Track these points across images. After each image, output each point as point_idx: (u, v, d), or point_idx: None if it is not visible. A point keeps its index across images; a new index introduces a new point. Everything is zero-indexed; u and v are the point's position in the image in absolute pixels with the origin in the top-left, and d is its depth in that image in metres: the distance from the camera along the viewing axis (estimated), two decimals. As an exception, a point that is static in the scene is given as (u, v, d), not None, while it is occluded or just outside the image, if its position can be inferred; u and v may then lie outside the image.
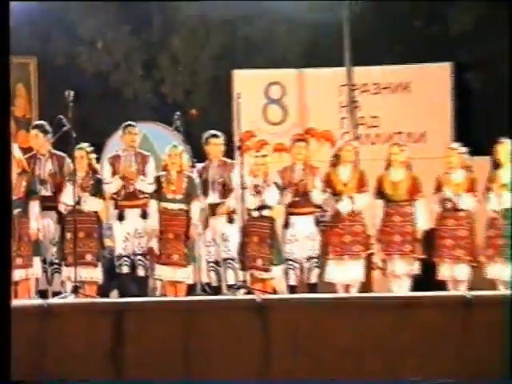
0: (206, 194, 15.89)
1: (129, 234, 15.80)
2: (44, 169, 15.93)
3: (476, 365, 12.27)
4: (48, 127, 16.14)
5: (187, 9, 21.74)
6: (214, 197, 15.88)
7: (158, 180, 15.80)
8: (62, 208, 15.50)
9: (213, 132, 16.25)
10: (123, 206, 15.87)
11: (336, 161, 15.76)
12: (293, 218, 15.67)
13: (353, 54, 17.85)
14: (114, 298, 15.56)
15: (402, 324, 12.89)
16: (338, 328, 12.58)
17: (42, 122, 16.87)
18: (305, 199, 15.62)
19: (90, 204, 15.55)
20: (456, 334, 12.79)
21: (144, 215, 15.80)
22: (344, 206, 15.40)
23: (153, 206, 15.76)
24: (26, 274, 15.39)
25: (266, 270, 15.48)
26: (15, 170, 15.24)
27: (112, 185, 15.72)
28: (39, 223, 15.49)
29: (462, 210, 15.49)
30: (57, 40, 21.63)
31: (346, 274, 15.46)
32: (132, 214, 15.81)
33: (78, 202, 15.35)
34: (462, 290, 14.87)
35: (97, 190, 15.79)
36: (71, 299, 14.70)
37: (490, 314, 12.95)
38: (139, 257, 15.75)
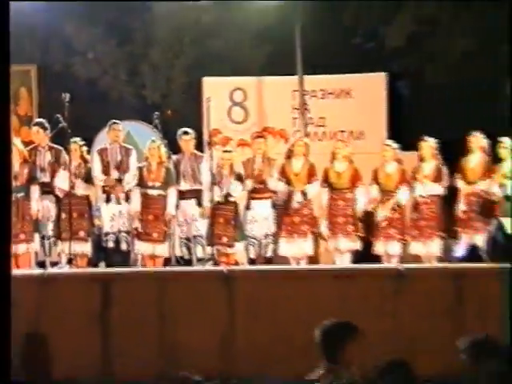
0: (178, 182, 15.93)
1: (114, 214, 15.83)
2: (43, 159, 16.13)
3: (409, 320, 12.69)
4: (47, 124, 16.28)
5: (165, 25, 21.75)
6: (185, 184, 15.94)
7: (140, 170, 15.87)
8: (58, 192, 15.51)
9: (185, 129, 16.34)
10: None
11: (289, 154, 15.89)
12: (253, 203, 15.75)
13: (303, 65, 17.85)
14: (101, 268, 15.39)
15: (345, 291, 13.07)
16: (291, 295, 12.76)
17: (41, 119, 16.97)
18: (263, 186, 15.68)
19: (82, 189, 15.65)
20: (390, 299, 12.97)
21: (127, 199, 15.84)
22: (297, 198, 15.53)
23: (135, 191, 15.82)
24: (27, 247, 15.67)
25: (230, 246, 15.65)
26: (18, 160, 15.74)
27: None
28: (39, 205, 15.80)
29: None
30: (55, 50, 21.62)
31: (296, 249, 15.54)
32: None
33: (72, 187, 15.48)
34: (395, 263, 15.03)
35: (88, 177, 15.86)
36: (66, 269, 15.04)
37: (419, 282, 13.18)
38: (123, 234, 15.81)
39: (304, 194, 15.73)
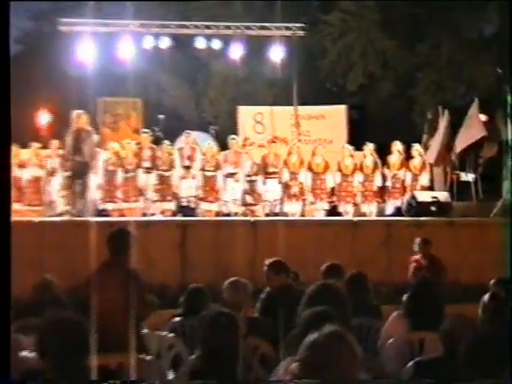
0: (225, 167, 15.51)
1: (188, 186, 15.49)
2: (146, 154, 15.53)
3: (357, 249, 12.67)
4: (151, 134, 16.28)
5: (217, 75, 21.74)
6: (230, 168, 15.32)
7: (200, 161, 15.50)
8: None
9: (232, 136, 16.20)
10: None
11: (289, 152, 15.82)
12: (267, 180, 15.41)
13: (297, 99, 17.84)
14: (179, 217, 15.01)
15: (320, 233, 13.24)
16: (291, 234, 12.42)
17: (146, 130, 16.77)
18: (273, 170, 15.50)
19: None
20: (347, 236, 13.12)
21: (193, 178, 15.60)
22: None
23: (199, 173, 15.38)
24: (136, 205, 15.29)
25: (254, 205, 15.42)
26: (132, 154, 15.46)
27: None
28: (142, 180, 15.43)
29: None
30: (151, 90, 21.62)
31: (293, 208, 15.44)
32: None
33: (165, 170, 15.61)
34: (350, 217, 15.14)
35: (172, 164, 15.50)
36: (161, 218, 14.99)
37: (363, 229, 13.29)
38: (192, 197, 15.45)
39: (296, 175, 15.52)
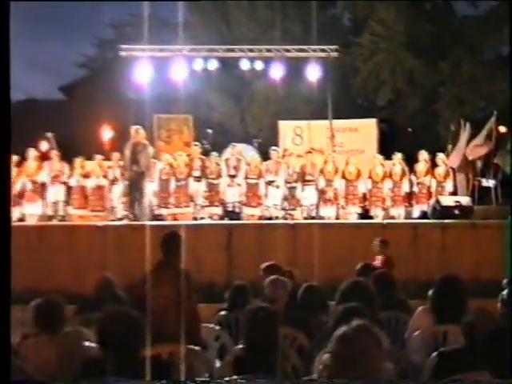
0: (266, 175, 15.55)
1: (233, 193, 15.48)
2: (196, 164, 15.58)
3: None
4: (200, 146, 16.35)
5: (259, 94, 21.73)
6: (271, 176, 15.36)
7: (245, 169, 15.49)
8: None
9: (273, 147, 16.25)
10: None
11: (325, 161, 15.77)
12: (305, 187, 15.31)
13: (332, 114, 17.78)
14: (226, 221, 15.14)
15: (354, 235, 13.17)
16: (327, 235, 12.51)
17: (196, 143, 16.89)
18: (311, 178, 15.43)
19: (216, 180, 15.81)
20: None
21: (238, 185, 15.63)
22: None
23: (243, 181, 15.38)
24: (187, 210, 15.31)
25: (293, 210, 15.29)
26: (184, 164, 15.48)
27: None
28: (193, 187, 15.44)
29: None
30: (200, 108, 21.69)
31: (327, 212, 15.34)
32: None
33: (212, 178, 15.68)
34: (380, 220, 15.03)
35: (219, 173, 15.43)
36: (208, 221, 14.99)
37: (393, 230, 13.18)
38: (237, 203, 15.44)
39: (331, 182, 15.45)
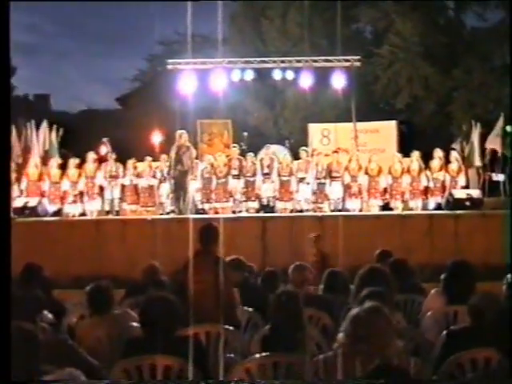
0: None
1: (267, 188, 15.42)
2: (235, 163, 15.55)
3: (407, 238, 12.29)
4: (238, 148, 16.36)
5: (290, 101, 21.62)
6: (301, 173, 15.45)
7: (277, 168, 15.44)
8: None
9: (303, 148, 16.24)
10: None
11: (350, 159, 15.71)
12: (332, 182, 15.28)
13: (356, 117, 17.64)
14: (261, 213, 15.10)
15: (376, 225, 13.07)
16: (352, 225, 12.54)
17: (235, 144, 16.93)
18: (337, 174, 15.37)
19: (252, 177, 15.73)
20: (397, 227, 12.88)
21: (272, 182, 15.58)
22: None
23: (276, 178, 15.32)
24: (227, 205, 15.21)
25: (322, 203, 15.11)
26: (223, 165, 15.42)
27: None
28: (232, 184, 15.38)
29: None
30: (239, 114, 21.60)
31: (353, 205, 15.24)
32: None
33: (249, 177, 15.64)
34: (399, 211, 14.86)
35: (255, 172, 15.43)
36: (245, 214, 14.99)
37: (411, 220, 13.01)
38: (271, 197, 15.31)
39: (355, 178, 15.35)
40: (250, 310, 6.03)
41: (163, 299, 4.35)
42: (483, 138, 16.43)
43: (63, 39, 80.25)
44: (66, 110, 36.04)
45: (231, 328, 5.23)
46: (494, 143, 16.36)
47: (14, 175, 15.16)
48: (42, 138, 16.74)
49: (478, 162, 16.39)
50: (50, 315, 5.42)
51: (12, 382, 3.08)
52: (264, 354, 4.09)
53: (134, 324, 4.87)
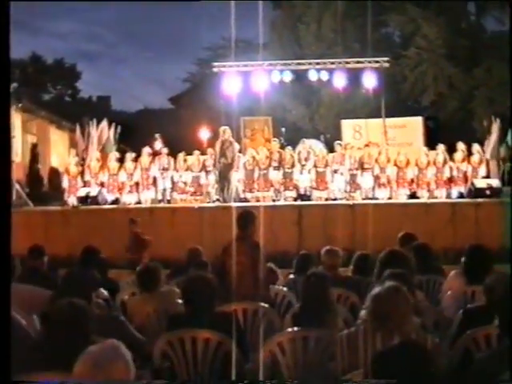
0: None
1: (303, 179, 15.26)
2: (275, 156, 15.44)
3: (426, 223, 12.05)
4: (278, 142, 16.28)
5: (324, 103, 21.37)
6: (335, 166, 15.31)
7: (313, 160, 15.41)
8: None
9: (338, 141, 16.22)
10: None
11: (380, 152, 15.59)
12: (363, 173, 15.14)
13: (385, 113, 17.39)
14: (298, 202, 15.05)
15: (403, 211, 12.84)
16: (381, 210, 12.46)
17: (275, 138, 16.90)
18: (367, 165, 15.22)
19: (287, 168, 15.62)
20: (423, 212, 12.70)
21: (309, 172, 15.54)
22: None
23: (312, 169, 15.22)
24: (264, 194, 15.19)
25: (353, 192, 15.05)
26: (265, 157, 15.37)
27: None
28: (273, 175, 15.29)
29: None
30: (277, 112, 21.48)
31: (381, 194, 15.05)
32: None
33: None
34: (425, 200, 14.64)
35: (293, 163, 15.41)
36: (283, 202, 14.94)
37: (433, 208, 12.82)
38: (308, 187, 15.14)
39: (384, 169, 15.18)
40: (285, 289, 6.00)
41: (202, 278, 4.34)
42: (502, 133, 16.08)
43: (122, 46, 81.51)
44: (125, 109, 36.52)
45: (266, 305, 5.21)
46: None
47: (78, 168, 15.44)
48: (103, 134, 16.92)
49: (498, 154, 16.07)
50: (105, 292, 5.52)
51: (12, 382, 2.98)
52: (294, 328, 4.06)
53: (179, 301, 4.87)
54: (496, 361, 3.06)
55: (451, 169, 15.11)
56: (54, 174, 19.69)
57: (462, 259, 5.46)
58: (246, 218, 6.18)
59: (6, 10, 3.38)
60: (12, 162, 13.58)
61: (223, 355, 4.00)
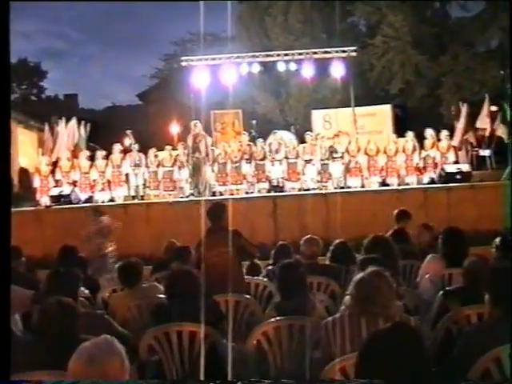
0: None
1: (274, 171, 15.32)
2: (250, 150, 15.33)
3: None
4: (248, 134, 16.30)
5: (294, 83, 21.31)
6: (307, 156, 15.28)
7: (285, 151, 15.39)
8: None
9: (308, 132, 16.11)
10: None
11: (349, 141, 15.70)
12: (335, 163, 15.17)
13: (354, 102, 17.50)
14: (271, 193, 15.01)
15: (380, 199, 13.00)
16: (356, 199, 12.56)
17: (245, 132, 16.83)
18: (337, 155, 15.23)
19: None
20: (394, 206, 12.80)
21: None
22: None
23: (284, 160, 15.24)
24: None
25: (326, 182, 15.05)
26: (237, 151, 15.34)
27: None
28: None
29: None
30: (247, 105, 21.46)
31: (354, 182, 15.14)
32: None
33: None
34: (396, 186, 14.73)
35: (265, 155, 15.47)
36: (257, 194, 14.93)
37: (406, 193, 12.93)
38: (280, 179, 15.07)
39: (355, 158, 15.21)
40: (265, 280, 6.03)
41: (184, 272, 4.37)
42: (470, 118, 16.27)
43: (88, 44, 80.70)
44: (93, 107, 36.16)
45: (248, 296, 5.24)
46: (483, 122, 16.19)
47: (48, 168, 15.25)
48: (72, 133, 16.75)
49: (466, 139, 16.30)
50: (86, 290, 5.51)
51: (12, 382, 2.98)
52: (279, 317, 4.10)
53: (161, 296, 4.88)
54: (485, 333, 3.11)
55: (420, 155, 15.21)
56: (24, 174, 19.43)
57: (439, 242, 5.53)
58: (217, 210, 6.18)
59: (6, 10, 3.30)
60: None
61: (209, 347, 4.02)
